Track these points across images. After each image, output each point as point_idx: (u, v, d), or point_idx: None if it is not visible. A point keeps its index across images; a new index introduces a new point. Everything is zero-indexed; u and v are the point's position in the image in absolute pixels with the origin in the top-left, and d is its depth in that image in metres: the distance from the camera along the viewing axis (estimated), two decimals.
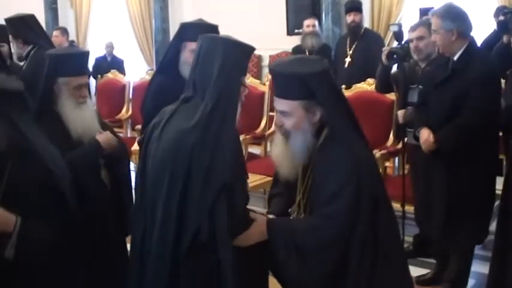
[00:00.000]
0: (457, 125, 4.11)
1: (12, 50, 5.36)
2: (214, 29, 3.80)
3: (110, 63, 11.47)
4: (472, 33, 4.22)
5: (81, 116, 3.46)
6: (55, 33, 8.76)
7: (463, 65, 4.13)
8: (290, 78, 2.65)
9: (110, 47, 12.07)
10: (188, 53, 3.75)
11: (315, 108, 2.64)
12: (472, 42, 4.19)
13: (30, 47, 5.28)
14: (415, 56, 4.86)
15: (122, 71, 10.90)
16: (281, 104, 2.68)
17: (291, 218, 2.90)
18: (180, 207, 2.57)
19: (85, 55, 3.67)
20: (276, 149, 2.87)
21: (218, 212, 2.52)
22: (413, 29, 4.85)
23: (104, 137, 3.50)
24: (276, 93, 2.72)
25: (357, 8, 7.24)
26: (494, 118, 4.11)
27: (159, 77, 3.97)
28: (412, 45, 4.83)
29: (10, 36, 5.30)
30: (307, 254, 2.62)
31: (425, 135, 4.23)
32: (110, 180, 3.61)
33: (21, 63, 5.32)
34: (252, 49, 2.78)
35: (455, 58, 4.18)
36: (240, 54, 2.74)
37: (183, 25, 3.99)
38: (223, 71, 2.62)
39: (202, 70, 2.69)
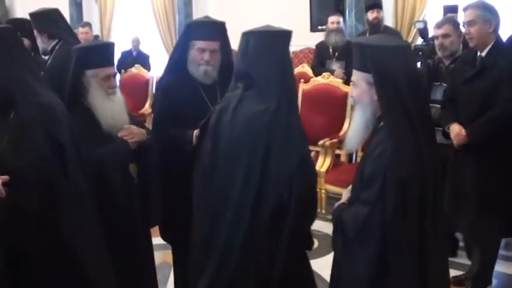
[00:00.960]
0: (488, 118, 4.13)
1: (38, 45, 5.36)
2: (221, 26, 3.83)
3: (136, 58, 11.46)
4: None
5: (111, 107, 3.50)
6: (84, 29, 8.85)
7: (492, 60, 4.16)
8: (355, 48, 2.75)
9: (137, 41, 12.04)
10: (196, 51, 3.70)
11: None
12: (499, 38, 4.21)
13: (55, 42, 5.27)
14: (439, 53, 4.85)
15: (147, 66, 10.95)
16: (353, 74, 2.78)
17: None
18: (261, 178, 2.75)
19: (111, 46, 3.68)
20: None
21: (297, 181, 2.73)
22: (438, 26, 4.83)
23: (126, 133, 3.52)
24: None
25: (379, 5, 7.23)
26: None
27: (167, 77, 3.90)
28: (437, 42, 4.81)
29: (35, 31, 5.29)
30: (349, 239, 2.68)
31: (457, 129, 4.24)
32: (137, 172, 3.64)
33: (46, 57, 5.34)
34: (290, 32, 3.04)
35: (483, 54, 4.18)
36: (286, 42, 2.99)
37: (189, 24, 4.00)
38: (281, 63, 2.91)
39: (258, 63, 2.89)
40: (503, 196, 4.18)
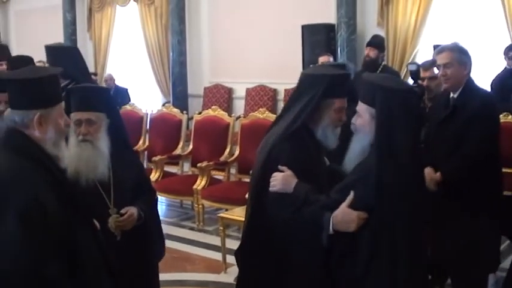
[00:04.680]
0: (461, 156, 4.18)
1: None
2: None
3: (114, 95, 10.97)
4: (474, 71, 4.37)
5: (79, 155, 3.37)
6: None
7: (463, 101, 4.23)
8: (364, 83, 3.08)
9: (110, 79, 12.11)
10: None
11: None
12: (470, 79, 4.31)
13: (67, 82, 4.84)
14: (425, 94, 4.94)
15: (126, 100, 10.98)
16: (358, 105, 3.05)
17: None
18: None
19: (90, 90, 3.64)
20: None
21: None
22: (426, 68, 4.93)
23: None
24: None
25: (374, 44, 7.30)
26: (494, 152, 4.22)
27: None
28: (423, 83, 4.90)
29: (46, 65, 5.10)
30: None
31: (427, 171, 4.23)
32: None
33: None
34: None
35: (455, 95, 4.27)
36: None
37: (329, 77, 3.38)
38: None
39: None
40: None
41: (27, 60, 5.86)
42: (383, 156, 2.87)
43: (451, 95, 4.33)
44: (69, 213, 2.65)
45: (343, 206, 2.91)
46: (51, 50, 5.17)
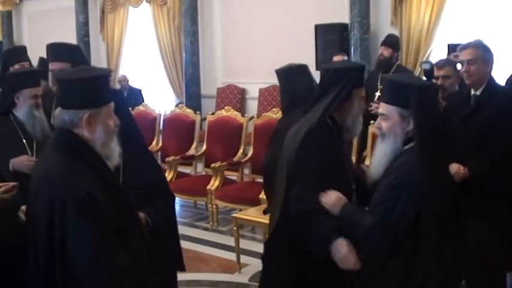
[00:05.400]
0: (489, 153, 4.16)
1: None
2: None
3: (128, 97, 11.32)
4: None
5: None
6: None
7: (487, 99, 4.25)
8: (392, 84, 3.04)
9: (124, 80, 12.19)
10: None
11: (410, 118, 2.93)
12: (492, 77, 4.35)
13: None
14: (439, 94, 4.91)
15: (139, 100, 11.06)
16: (382, 108, 3.04)
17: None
18: None
19: None
20: (375, 150, 3.20)
21: None
22: (439, 67, 4.91)
23: None
24: (381, 99, 3.11)
25: (388, 43, 7.27)
26: None
27: None
28: (437, 82, 4.87)
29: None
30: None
31: (455, 167, 4.26)
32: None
33: None
34: None
35: (478, 93, 4.26)
36: None
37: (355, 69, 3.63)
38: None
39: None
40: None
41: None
42: (427, 156, 2.87)
43: (472, 92, 4.32)
44: (119, 211, 2.74)
45: (349, 250, 3.04)
46: (69, 48, 5.11)
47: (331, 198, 3.13)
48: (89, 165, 2.69)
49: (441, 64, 4.97)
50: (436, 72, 4.90)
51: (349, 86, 3.34)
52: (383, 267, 2.96)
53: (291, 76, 4.88)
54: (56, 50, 4.80)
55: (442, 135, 3.06)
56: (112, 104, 2.83)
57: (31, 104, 4.22)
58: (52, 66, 4.64)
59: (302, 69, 4.94)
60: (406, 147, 2.99)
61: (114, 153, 2.84)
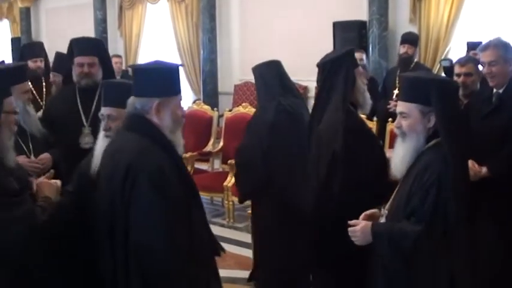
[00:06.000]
0: (510, 151, 4.13)
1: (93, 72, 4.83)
2: None
3: None
4: None
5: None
6: (116, 59, 9.10)
7: (509, 96, 4.19)
8: (411, 81, 3.04)
9: None
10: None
11: (431, 114, 2.94)
12: None
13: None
14: (460, 91, 4.87)
15: None
16: (401, 106, 3.03)
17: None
18: None
19: None
20: (394, 150, 3.18)
21: None
22: (462, 64, 4.86)
23: None
24: (399, 97, 3.12)
25: (410, 41, 7.23)
26: None
27: None
28: (459, 80, 4.83)
29: (96, 59, 4.78)
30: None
31: (473, 167, 4.21)
32: None
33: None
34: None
35: (500, 90, 4.22)
36: None
37: None
38: None
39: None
40: None
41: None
42: (456, 149, 2.87)
43: (494, 90, 4.28)
44: (187, 194, 2.95)
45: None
46: (101, 43, 5.26)
47: (358, 233, 3.09)
48: (161, 147, 2.88)
49: (464, 61, 4.93)
50: (458, 70, 4.86)
51: (350, 69, 3.68)
52: (434, 268, 2.91)
53: (263, 72, 5.04)
54: (83, 44, 4.84)
55: (465, 130, 3.04)
56: (181, 95, 3.07)
57: (24, 100, 4.15)
58: (79, 60, 4.67)
59: (272, 65, 5.12)
60: (429, 144, 2.97)
61: (180, 143, 3.04)
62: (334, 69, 3.71)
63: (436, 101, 2.89)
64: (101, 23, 14.30)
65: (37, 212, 2.83)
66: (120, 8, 14.52)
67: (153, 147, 2.85)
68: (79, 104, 4.67)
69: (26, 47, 7.87)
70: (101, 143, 3.38)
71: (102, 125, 3.46)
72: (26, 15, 17.16)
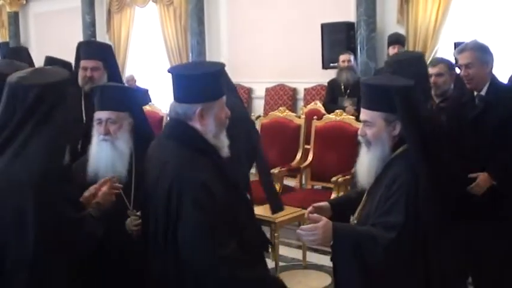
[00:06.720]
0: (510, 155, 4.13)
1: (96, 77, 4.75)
2: None
3: None
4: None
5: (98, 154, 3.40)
6: None
7: (493, 98, 4.19)
8: (374, 89, 2.91)
9: (131, 80, 12.00)
10: None
11: (396, 122, 2.84)
12: (494, 76, 4.30)
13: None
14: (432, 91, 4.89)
15: (146, 100, 10.98)
16: (365, 114, 2.91)
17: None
18: None
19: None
20: (359, 159, 3.05)
21: None
22: (433, 64, 4.88)
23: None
24: (362, 104, 2.95)
25: (400, 42, 7.27)
26: None
27: None
28: (430, 80, 4.85)
29: (99, 63, 4.72)
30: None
31: (484, 177, 4.17)
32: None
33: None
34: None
35: (482, 92, 4.22)
36: None
37: None
38: None
39: None
40: None
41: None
42: (423, 157, 2.78)
43: (475, 93, 4.28)
44: (233, 197, 2.91)
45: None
46: (109, 47, 5.13)
47: (320, 229, 2.79)
48: (203, 155, 2.83)
49: (435, 62, 4.96)
50: (430, 70, 4.88)
51: None
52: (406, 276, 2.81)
53: None
54: (88, 48, 4.81)
55: (436, 133, 2.99)
56: (224, 98, 2.94)
57: None
58: (83, 63, 4.63)
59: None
60: (396, 152, 2.89)
61: (224, 145, 2.96)
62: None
63: (401, 108, 2.79)
64: (90, 27, 14.24)
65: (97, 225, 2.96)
66: (109, 12, 14.48)
67: (195, 158, 2.79)
68: (83, 110, 4.57)
69: (10, 51, 7.79)
70: (97, 148, 3.35)
71: (98, 129, 3.39)
72: (14, 19, 17.07)
